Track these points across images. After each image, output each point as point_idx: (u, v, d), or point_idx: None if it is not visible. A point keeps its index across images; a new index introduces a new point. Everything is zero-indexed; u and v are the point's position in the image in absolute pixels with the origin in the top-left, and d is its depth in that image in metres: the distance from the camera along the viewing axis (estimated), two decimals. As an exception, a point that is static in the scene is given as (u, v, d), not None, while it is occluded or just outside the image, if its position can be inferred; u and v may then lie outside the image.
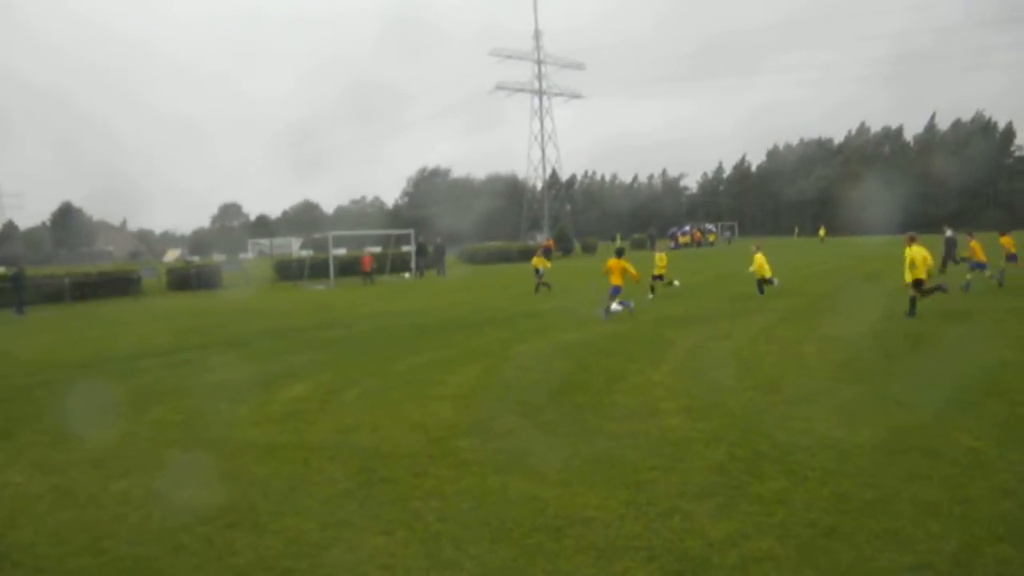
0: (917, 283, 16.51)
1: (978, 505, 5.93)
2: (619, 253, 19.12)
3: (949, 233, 29.08)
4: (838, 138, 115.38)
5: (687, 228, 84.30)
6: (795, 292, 23.59)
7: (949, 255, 28.30)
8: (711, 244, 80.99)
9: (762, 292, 22.66)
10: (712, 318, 17.97)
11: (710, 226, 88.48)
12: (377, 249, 55.14)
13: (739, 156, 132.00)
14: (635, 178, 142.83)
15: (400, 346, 15.70)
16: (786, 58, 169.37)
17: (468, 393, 10.68)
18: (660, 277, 24.95)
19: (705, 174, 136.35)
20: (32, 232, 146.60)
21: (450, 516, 6.12)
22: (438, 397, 10.44)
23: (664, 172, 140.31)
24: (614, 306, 18.30)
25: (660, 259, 25.28)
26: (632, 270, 19.11)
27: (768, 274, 22.94)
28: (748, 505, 6.09)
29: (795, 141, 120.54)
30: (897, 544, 5.33)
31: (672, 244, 75.27)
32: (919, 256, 16.59)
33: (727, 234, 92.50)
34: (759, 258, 22.82)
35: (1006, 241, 23.04)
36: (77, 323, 25.98)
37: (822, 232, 74.70)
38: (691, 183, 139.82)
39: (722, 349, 13.44)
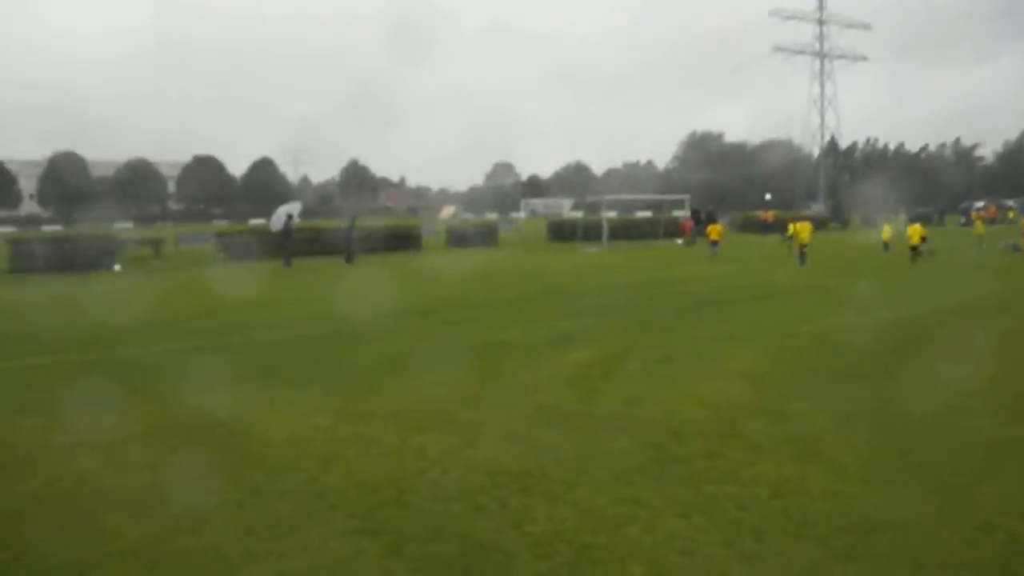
0: None
1: None
2: None
3: None
4: None
5: (981, 204, 77.53)
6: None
7: None
8: (1011, 221, 73.93)
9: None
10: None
11: (1010, 202, 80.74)
12: (648, 214, 54.91)
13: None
14: (923, 147, 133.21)
15: (679, 316, 15.47)
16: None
17: (755, 371, 10.29)
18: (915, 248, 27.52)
19: (1006, 142, 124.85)
20: (322, 187, 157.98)
21: (748, 504, 5.85)
22: (724, 373, 10.13)
23: (957, 141, 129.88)
24: None
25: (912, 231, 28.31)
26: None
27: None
28: (1090, 533, 5.40)
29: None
30: None
31: (963, 220, 69.54)
32: None
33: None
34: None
35: None
36: (363, 276, 27.60)
37: None
38: (987, 153, 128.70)
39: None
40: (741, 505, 5.84)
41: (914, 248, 27.47)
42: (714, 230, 33.90)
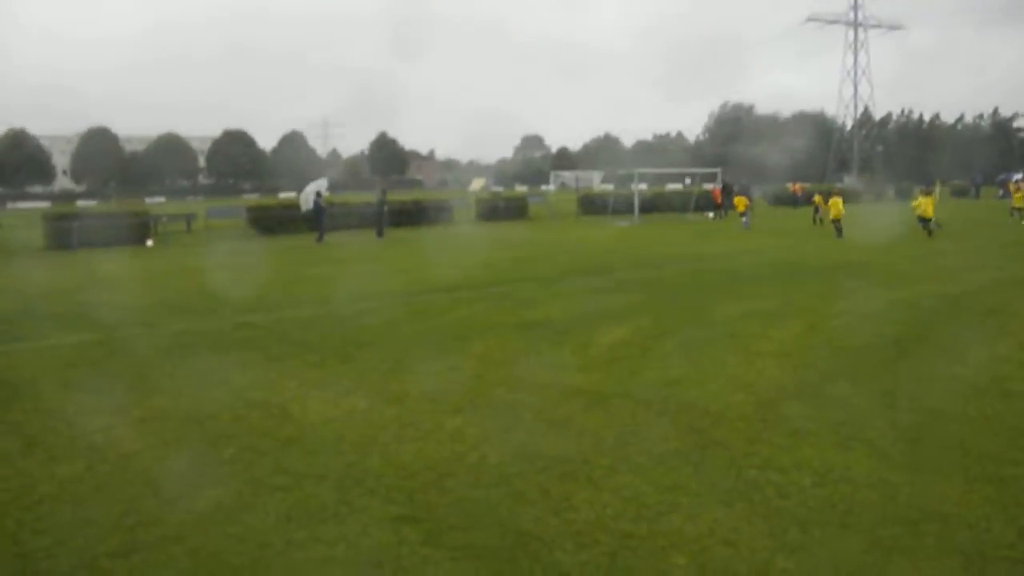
0: None
1: None
2: None
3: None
4: None
5: (1020, 176, 76.07)
6: None
7: None
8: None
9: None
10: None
11: (1051, 174, 79.15)
12: (679, 186, 54.48)
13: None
14: (960, 118, 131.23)
15: (714, 293, 15.31)
16: None
17: (793, 351, 10.14)
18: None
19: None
20: (352, 160, 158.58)
21: (791, 492, 5.75)
22: (762, 354, 9.99)
23: (995, 111, 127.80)
24: None
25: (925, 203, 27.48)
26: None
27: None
28: None
29: None
30: None
31: (1000, 192, 68.35)
32: None
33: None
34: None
35: None
36: (395, 250, 27.59)
37: None
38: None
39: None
40: (784, 493, 5.74)
41: (925, 220, 27.29)
42: (740, 202, 35.08)
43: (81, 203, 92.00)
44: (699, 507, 5.54)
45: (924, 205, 27.39)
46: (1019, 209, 35.21)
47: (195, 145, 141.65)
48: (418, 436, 7.13)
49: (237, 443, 7.06)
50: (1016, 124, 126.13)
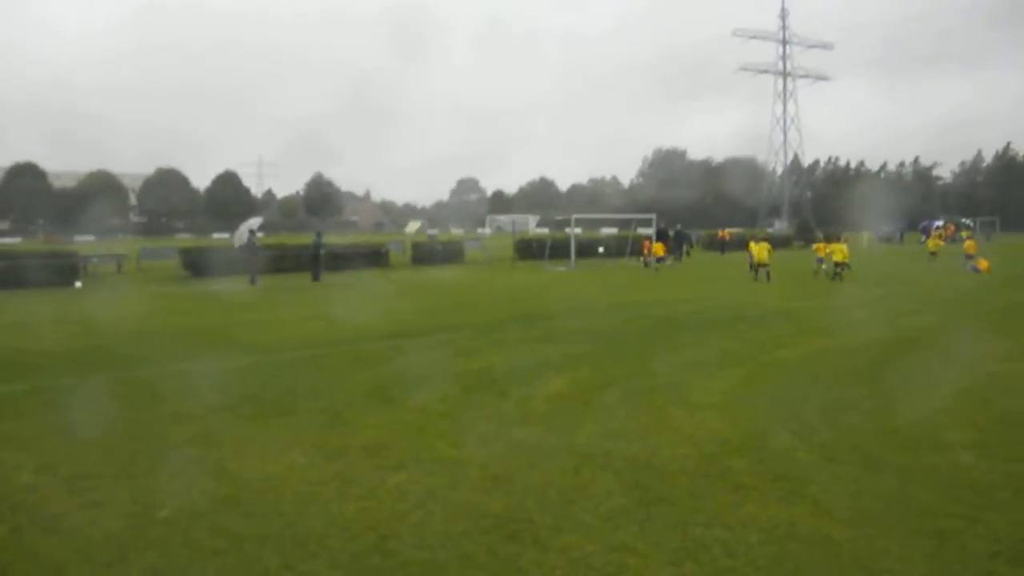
0: None
1: None
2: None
3: None
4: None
5: (939, 222, 78.42)
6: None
7: None
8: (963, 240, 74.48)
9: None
10: (1009, 332, 16.40)
11: (967, 220, 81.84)
12: (614, 231, 54.99)
13: (1004, 144, 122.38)
14: (883, 166, 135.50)
15: (652, 342, 15.41)
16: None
17: (733, 403, 10.23)
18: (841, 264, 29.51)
19: (963, 163, 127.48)
20: (287, 201, 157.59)
21: (738, 551, 5.75)
22: (702, 405, 10.04)
23: (916, 160, 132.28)
24: None
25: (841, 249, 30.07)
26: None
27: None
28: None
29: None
30: None
31: (923, 239, 70.35)
32: None
33: (987, 230, 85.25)
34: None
35: None
36: (332, 295, 27.30)
37: None
38: (945, 173, 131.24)
39: (1021, 372, 12.22)
40: (731, 552, 5.74)
41: (838, 265, 29.47)
42: (658, 248, 38.39)
43: (5, 241, 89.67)
44: (647, 568, 5.50)
45: (836, 251, 29.69)
46: (934, 254, 37.02)
47: (126, 183, 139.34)
48: (360, 494, 6.99)
49: (172, 503, 6.84)
50: (935, 172, 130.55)
